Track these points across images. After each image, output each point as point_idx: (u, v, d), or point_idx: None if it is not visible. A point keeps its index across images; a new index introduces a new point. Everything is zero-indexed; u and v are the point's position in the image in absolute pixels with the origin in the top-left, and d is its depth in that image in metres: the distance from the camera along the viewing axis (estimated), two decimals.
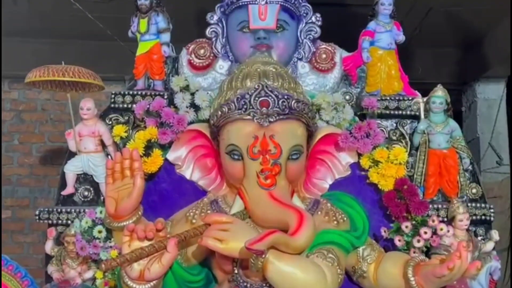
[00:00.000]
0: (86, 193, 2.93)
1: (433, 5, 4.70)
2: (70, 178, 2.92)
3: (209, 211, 2.46)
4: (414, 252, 2.63)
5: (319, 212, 2.49)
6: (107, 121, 2.95)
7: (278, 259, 2.09)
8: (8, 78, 5.60)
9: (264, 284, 2.21)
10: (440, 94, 2.85)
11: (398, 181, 2.70)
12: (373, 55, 2.94)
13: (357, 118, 2.86)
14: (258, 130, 2.30)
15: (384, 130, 2.90)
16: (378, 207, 2.77)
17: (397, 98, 2.93)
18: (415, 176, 2.87)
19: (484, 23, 5.04)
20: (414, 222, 2.68)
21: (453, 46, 5.66)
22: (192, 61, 2.97)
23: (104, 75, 3.09)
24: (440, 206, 2.82)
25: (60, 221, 2.86)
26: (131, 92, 2.95)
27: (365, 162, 2.74)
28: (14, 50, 5.16)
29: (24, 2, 4.57)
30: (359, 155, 2.73)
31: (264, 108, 2.30)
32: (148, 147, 2.75)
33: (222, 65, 2.97)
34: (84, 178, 2.95)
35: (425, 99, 2.91)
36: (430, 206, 2.76)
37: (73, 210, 2.85)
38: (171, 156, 2.70)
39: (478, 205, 2.88)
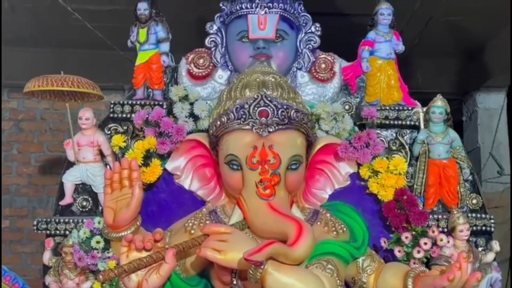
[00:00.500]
0: (84, 203, 2.92)
1: (433, 14, 4.69)
2: (69, 188, 2.90)
3: (207, 222, 2.45)
4: (414, 263, 2.62)
5: (319, 223, 2.48)
6: (106, 131, 2.94)
7: (277, 270, 2.08)
8: (7, 87, 5.59)
9: None
10: (439, 104, 2.84)
11: (398, 191, 2.69)
12: (373, 65, 2.94)
13: (356, 128, 2.85)
14: (257, 140, 2.30)
15: (384, 140, 2.89)
16: (378, 217, 2.76)
17: (396, 108, 2.92)
18: (415, 186, 2.86)
19: (484, 33, 5.04)
20: (414, 232, 2.67)
21: (453, 56, 5.65)
22: (191, 71, 2.97)
23: (103, 85, 3.09)
24: (440, 216, 2.81)
25: (58, 232, 2.85)
26: (130, 102, 2.94)
27: (364, 172, 2.73)
28: (13, 59, 5.15)
29: (23, 11, 4.56)
30: (359, 165, 2.72)
31: (263, 118, 2.30)
32: (147, 157, 2.74)
33: (221, 75, 2.96)
34: (83, 188, 2.94)
35: (424, 109, 2.90)
36: (430, 216, 2.76)
37: (71, 221, 2.84)
38: (170, 166, 2.69)
39: (479, 215, 2.87)
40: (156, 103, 2.91)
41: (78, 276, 2.78)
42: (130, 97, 3.07)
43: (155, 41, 2.98)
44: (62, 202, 2.91)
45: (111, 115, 2.94)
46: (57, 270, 2.83)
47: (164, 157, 2.72)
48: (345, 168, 2.69)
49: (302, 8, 2.97)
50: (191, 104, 2.84)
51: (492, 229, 2.87)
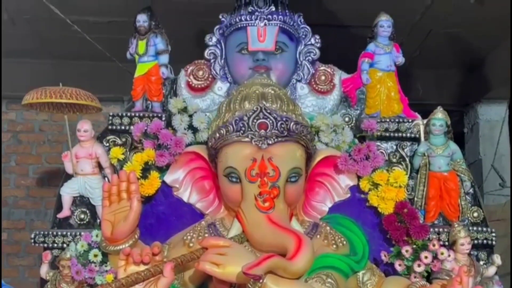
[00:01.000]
0: (82, 216, 2.90)
1: (433, 27, 4.70)
2: (66, 201, 2.88)
3: (206, 235, 2.44)
4: (414, 277, 2.60)
5: (318, 236, 2.47)
6: (105, 143, 2.92)
7: (276, 284, 2.07)
8: (6, 98, 5.58)
9: None
10: (440, 117, 2.83)
11: (398, 204, 2.68)
12: (373, 77, 2.93)
13: (356, 140, 2.83)
14: (256, 153, 2.29)
15: (384, 152, 2.87)
16: (378, 230, 2.74)
17: (397, 120, 2.91)
18: (415, 199, 2.84)
19: (485, 45, 5.05)
20: (414, 246, 2.65)
21: (454, 68, 5.66)
22: (190, 83, 2.96)
23: (102, 96, 3.09)
24: (441, 230, 2.78)
25: (55, 245, 2.82)
26: (129, 114, 2.92)
27: (364, 185, 2.71)
28: (12, 71, 5.16)
29: (22, 23, 4.58)
30: (359, 177, 2.71)
31: (263, 131, 2.30)
32: (146, 169, 2.72)
33: (221, 87, 2.95)
34: (81, 201, 2.91)
35: (425, 121, 2.89)
36: (431, 230, 2.73)
37: (69, 233, 2.82)
38: (168, 178, 2.68)
39: (480, 229, 2.85)
40: (155, 115, 2.90)
41: None
42: (129, 109, 3.06)
43: (154, 53, 2.96)
44: (60, 215, 2.89)
45: (110, 127, 2.93)
46: (55, 283, 2.80)
47: (162, 170, 2.71)
48: (345, 181, 2.68)
49: (302, 20, 2.97)
50: (190, 116, 2.82)
51: (494, 242, 2.85)
